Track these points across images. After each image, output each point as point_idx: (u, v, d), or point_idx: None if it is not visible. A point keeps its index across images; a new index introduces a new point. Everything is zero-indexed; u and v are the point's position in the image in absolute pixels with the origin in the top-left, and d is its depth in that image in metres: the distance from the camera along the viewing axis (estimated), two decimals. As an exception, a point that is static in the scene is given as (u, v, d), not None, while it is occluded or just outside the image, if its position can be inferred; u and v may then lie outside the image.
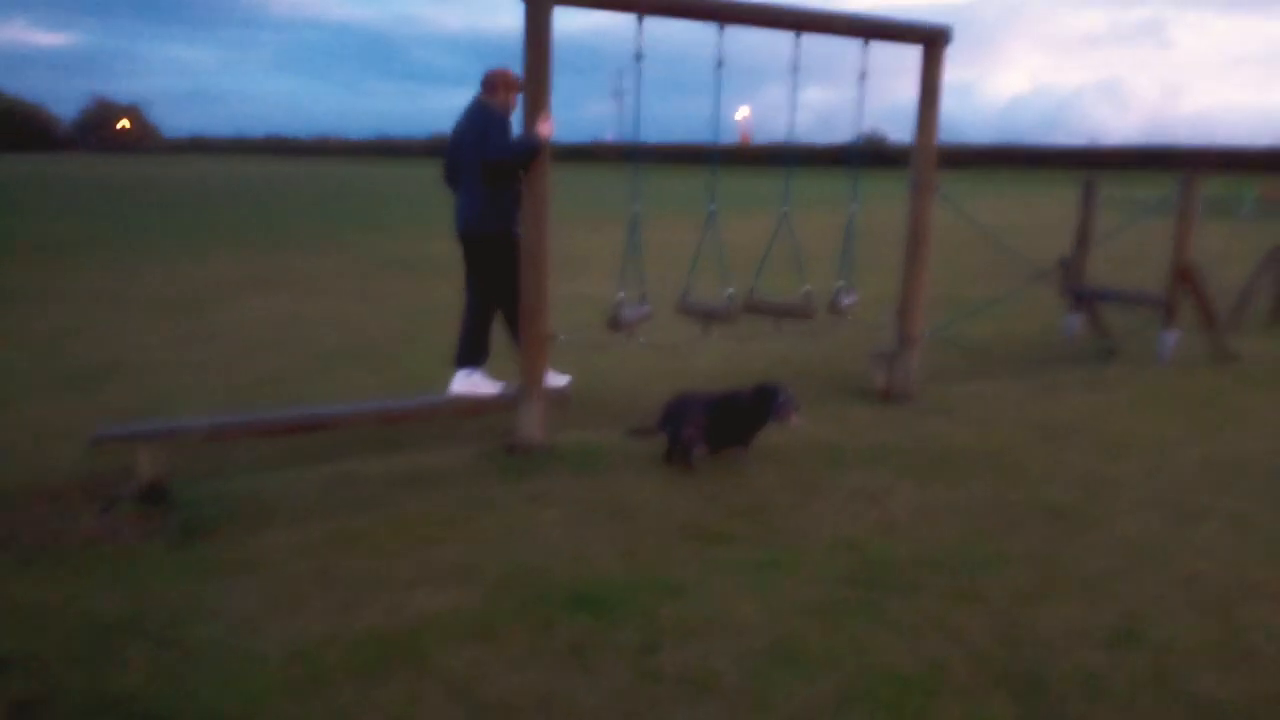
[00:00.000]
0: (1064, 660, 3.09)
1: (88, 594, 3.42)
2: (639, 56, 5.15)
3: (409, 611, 3.33)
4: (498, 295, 5.37)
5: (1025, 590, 3.58)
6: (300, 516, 4.14)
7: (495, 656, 3.05)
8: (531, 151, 4.88)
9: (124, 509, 4.14)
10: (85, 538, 3.89)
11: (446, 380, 5.41)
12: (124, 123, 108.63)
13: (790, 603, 3.43)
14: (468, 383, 5.37)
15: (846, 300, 6.21)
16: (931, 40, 6.07)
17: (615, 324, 5.53)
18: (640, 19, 5.04)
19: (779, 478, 4.75)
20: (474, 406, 5.27)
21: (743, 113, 79.68)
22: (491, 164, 5.06)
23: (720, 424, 4.89)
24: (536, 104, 4.87)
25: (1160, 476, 4.90)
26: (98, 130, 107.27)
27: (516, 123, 5.10)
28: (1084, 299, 8.43)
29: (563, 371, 5.95)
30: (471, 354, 5.43)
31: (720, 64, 5.43)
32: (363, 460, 4.90)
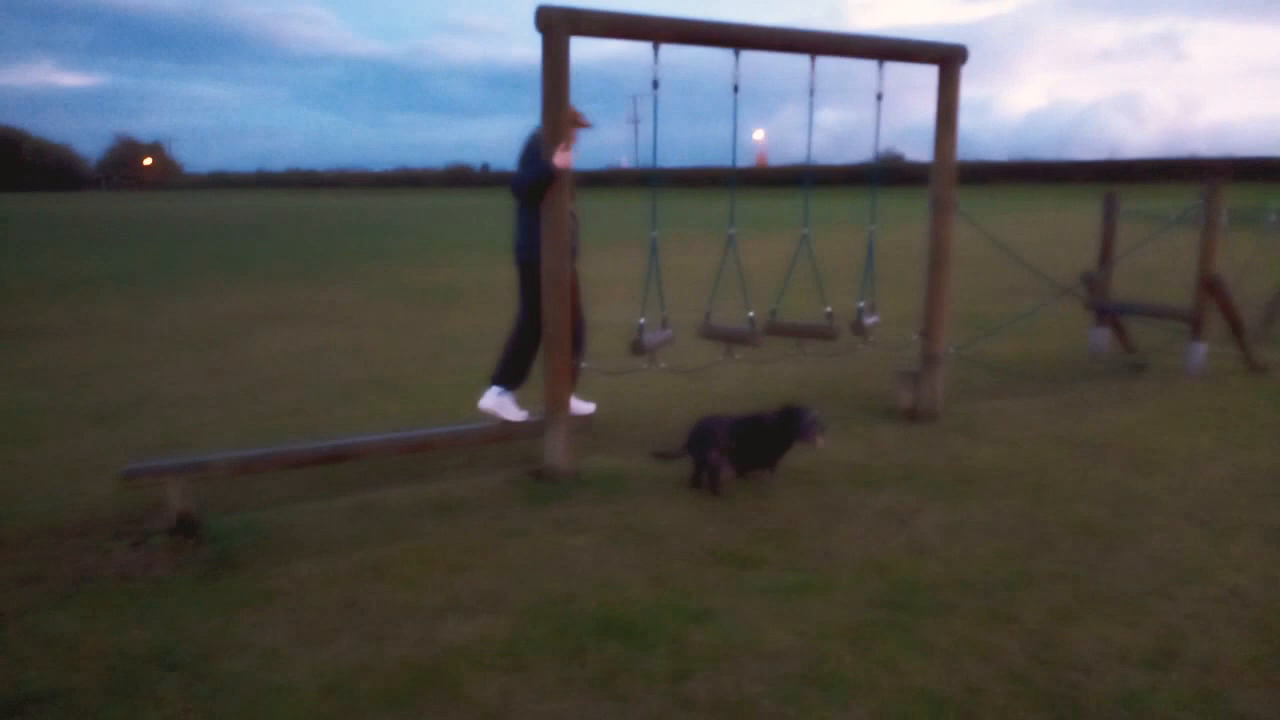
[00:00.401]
0: (1103, 680, 3.04)
1: (121, 628, 3.43)
2: (656, 84, 5.18)
3: (439, 641, 3.32)
4: (539, 321, 5.40)
5: (1060, 609, 3.53)
6: (329, 547, 4.15)
7: (526, 685, 3.04)
8: (542, 179, 4.90)
9: (155, 543, 4.16)
10: (117, 572, 3.91)
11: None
12: (147, 160, 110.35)
13: (822, 626, 3.40)
14: (497, 402, 5.38)
15: (869, 320, 6.19)
16: (947, 60, 6.07)
17: (637, 349, 5.53)
18: (656, 47, 5.08)
19: (806, 500, 4.73)
20: (499, 434, 5.28)
21: (759, 135, 79.90)
22: (512, 191, 5.11)
23: (746, 446, 4.87)
24: (555, 133, 4.90)
25: (1192, 491, 4.83)
26: (122, 168, 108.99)
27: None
28: (1109, 314, 8.37)
29: (587, 398, 5.96)
30: (508, 375, 5.45)
31: (736, 89, 5.45)
32: (389, 490, 4.91)
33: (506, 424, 5.31)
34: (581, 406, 5.63)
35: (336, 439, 5.26)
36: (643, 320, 5.52)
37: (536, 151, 5.12)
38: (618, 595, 3.67)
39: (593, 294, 5.87)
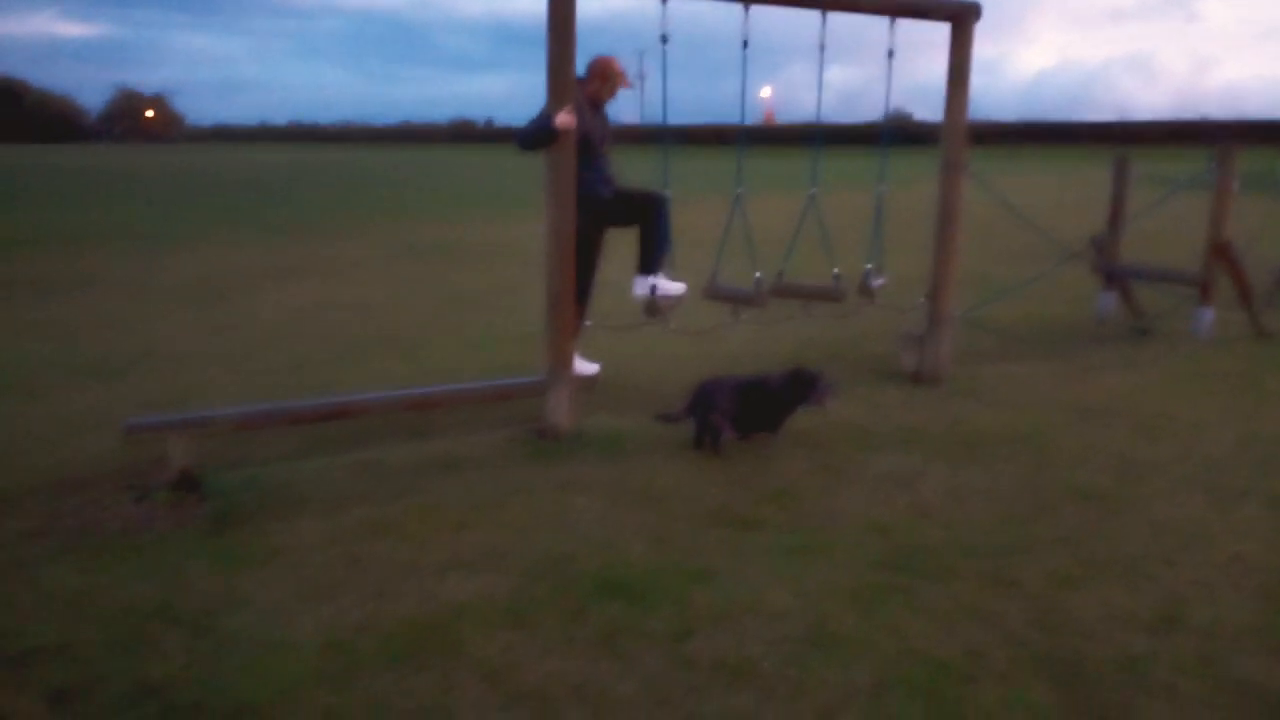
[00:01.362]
0: (1104, 645, 3.04)
1: (123, 583, 3.44)
2: (664, 38, 5.10)
3: (441, 599, 3.33)
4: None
5: (1062, 574, 3.53)
6: (331, 504, 4.15)
7: (528, 643, 3.05)
8: (539, 135, 4.83)
9: (157, 498, 4.17)
10: (120, 527, 3.92)
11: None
12: (149, 112, 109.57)
13: (823, 588, 3.40)
14: (656, 285, 5.67)
15: (876, 282, 6.14)
16: (960, 17, 5.97)
17: (651, 309, 5.52)
18: (665, 0, 4.98)
19: (808, 462, 4.72)
20: (501, 392, 5.26)
21: (765, 92, 79.09)
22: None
23: (749, 409, 4.86)
24: (560, 89, 4.83)
25: (1197, 457, 4.82)
26: (124, 120, 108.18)
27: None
28: (1117, 278, 8.31)
29: (591, 357, 5.94)
30: (650, 262, 5.72)
31: (746, 44, 5.37)
32: (392, 447, 4.90)
33: (509, 383, 5.28)
34: (585, 367, 5.62)
35: (338, 396, 5.24)
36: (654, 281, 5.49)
37: (544, 109, 5.07)
38: (619, 555, 3.67)
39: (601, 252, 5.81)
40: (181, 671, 2.89)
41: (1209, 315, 7.51)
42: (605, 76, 5.66)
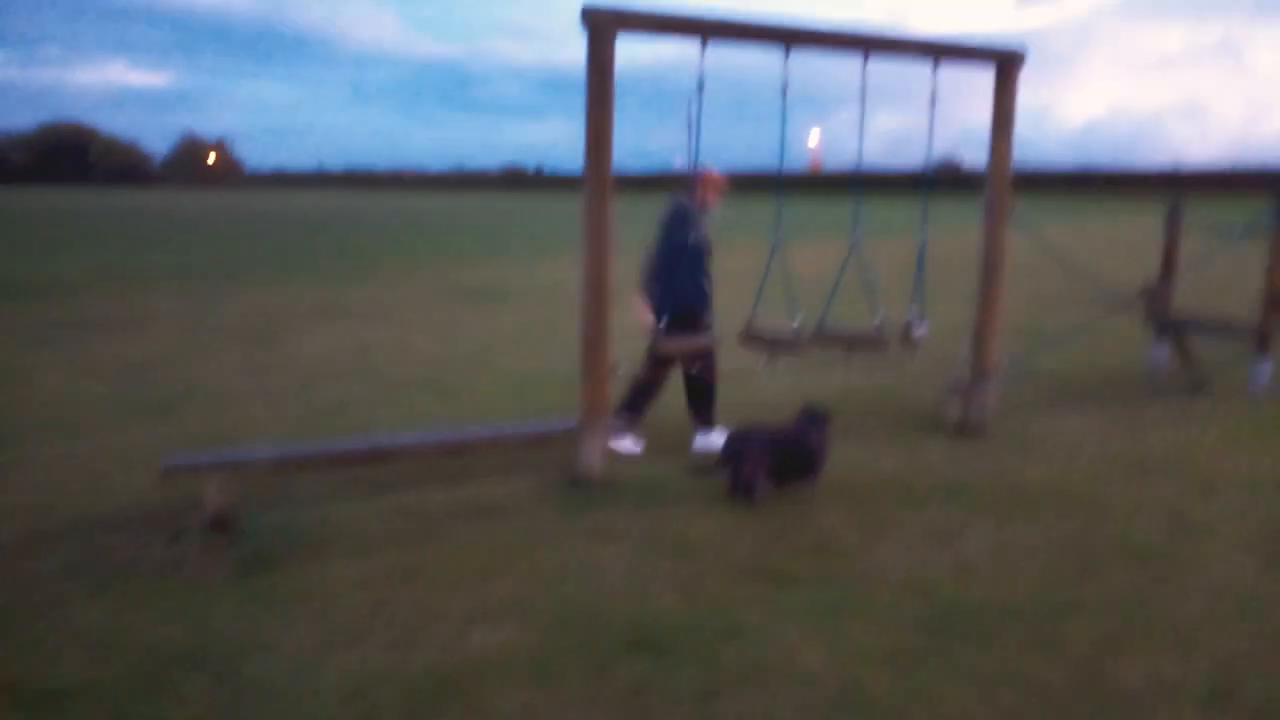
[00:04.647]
0: (1153, 718, 2.89)
1: (152, 624, 3.44)
2: (701, 85, 5.09)
3: (466, 649, 3.28)
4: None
5: (1109, 639, 3.38)
6: (362, 548, 4.13)
7: (551, 699, 2.98)
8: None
9: (191, 539, 4.18)
10: (153, 568, 3.93)
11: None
12: (211, 157, 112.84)
13: (858, 649, 3.29)
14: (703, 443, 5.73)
15: (919, 330, 6.03)
16: (1005, 62, 5.91)
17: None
18: (704, 44, 5.00)
19: (847, 515, 4.61)
20: (537, 438, 5.23)
21: (814, 137, 79.13)
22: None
23: (783, 459, 4.77)
24: (600, 131, 4.84)
25: (1254, 518, 4.63)
26: (187, 165, 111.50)
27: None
28: (1170, 328, 8.09)
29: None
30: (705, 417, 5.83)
31: (785, 89, 5.35)
32: (426, 491, 4.89)
33: (543, 429, 5.26)
34: (626, 444, 5.58)
35: (375, 438, 5.25)
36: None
37: (680, 218, 5.53)
38: (648, 608, 3.59)
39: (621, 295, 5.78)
40: (203, 718, 2.86)
41: (1267, 368, 7.28)
42: (715, 186, 5.82)
